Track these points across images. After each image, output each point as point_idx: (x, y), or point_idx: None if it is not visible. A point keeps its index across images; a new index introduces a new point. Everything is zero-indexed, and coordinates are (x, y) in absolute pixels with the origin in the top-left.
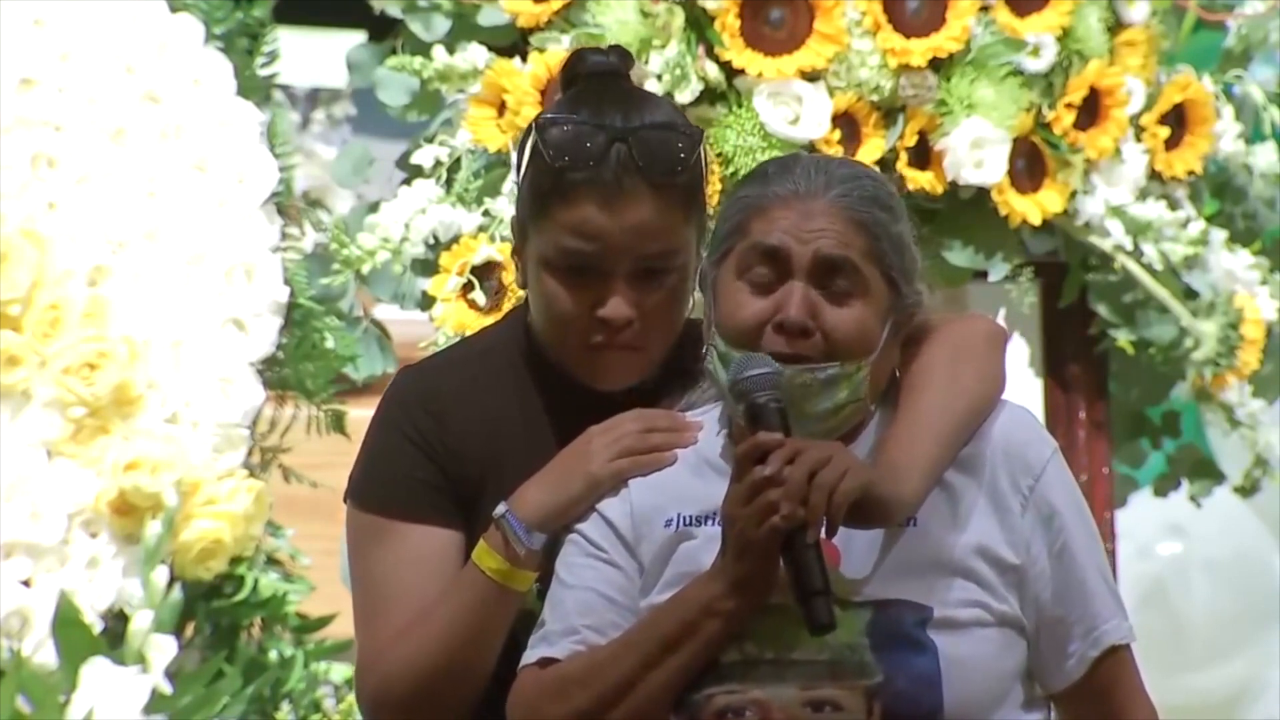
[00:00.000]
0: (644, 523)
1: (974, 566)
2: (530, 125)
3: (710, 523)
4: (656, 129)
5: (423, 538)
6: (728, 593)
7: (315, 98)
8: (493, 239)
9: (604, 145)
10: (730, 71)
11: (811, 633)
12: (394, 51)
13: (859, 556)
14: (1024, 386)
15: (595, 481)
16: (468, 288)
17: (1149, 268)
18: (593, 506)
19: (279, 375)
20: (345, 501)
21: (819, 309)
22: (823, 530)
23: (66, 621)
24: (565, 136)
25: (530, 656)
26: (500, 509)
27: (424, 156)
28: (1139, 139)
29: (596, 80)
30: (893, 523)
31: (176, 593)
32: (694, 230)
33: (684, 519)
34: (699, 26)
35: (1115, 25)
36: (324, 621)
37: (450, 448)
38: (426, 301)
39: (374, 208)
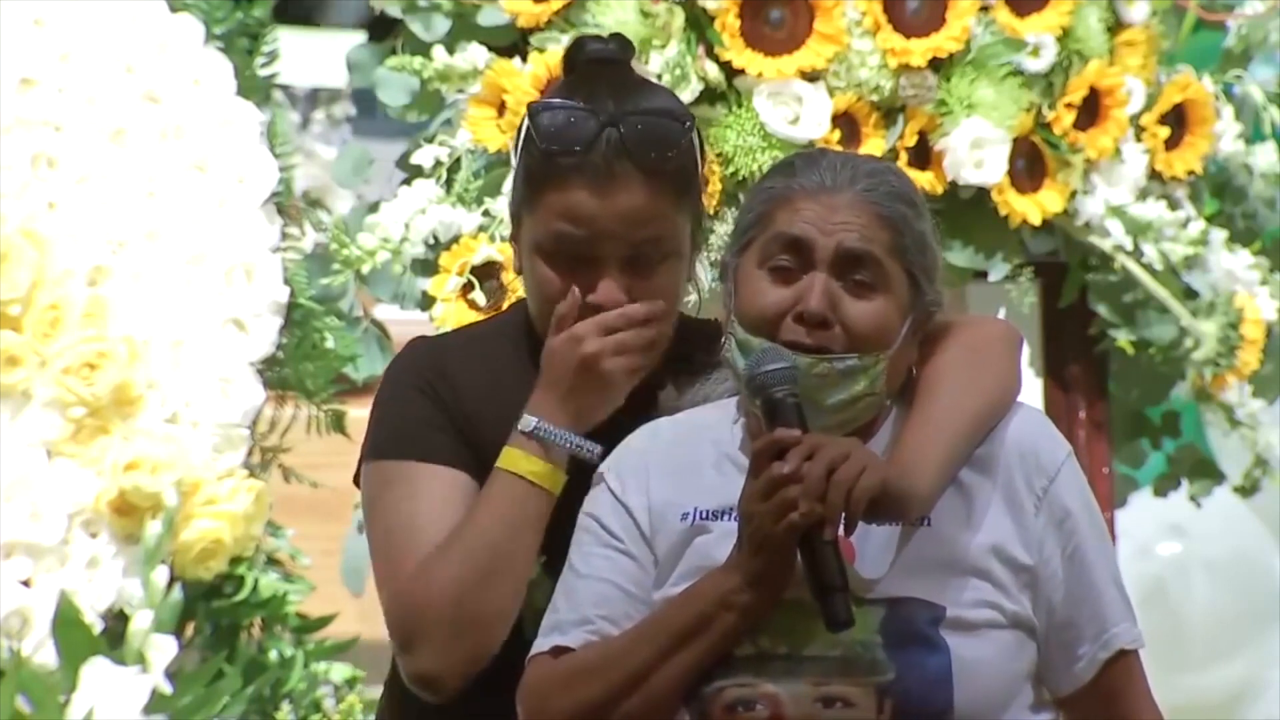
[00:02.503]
0: (660, 515)
1: (988, 566)
2: (525, 111)
3: (726, 518)
4: (648, 114)
5: (441, 478)
6: (743, 587)
7: (315, 98)
8: (493, 239)
9: (595, 130)
10: (730, 71)
11: (829, 629)
12: (394, 51)
13: (874, 554)
14: (1024, 386)
15: (606, 379)
16: (468, 288)
17: (1149, 268)
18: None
19: (279, 375)
20: (362, 464)
21: (839, 301)
22: (841, 527)
23: (66, 621)
24: (557, 121)
25: (543, 645)
26: (530, 422)
27: (424, 156)
28: (1139, 139)
29: (594, 67)
30: (907, 519)
31: (176, 593)
32: (687, 217)
33: (700, 513)
34: (699, 26)
35: (1115, 25)
36: (324, 621)
37: (458, 405)
38: (426, 301)
39: (374, 208)
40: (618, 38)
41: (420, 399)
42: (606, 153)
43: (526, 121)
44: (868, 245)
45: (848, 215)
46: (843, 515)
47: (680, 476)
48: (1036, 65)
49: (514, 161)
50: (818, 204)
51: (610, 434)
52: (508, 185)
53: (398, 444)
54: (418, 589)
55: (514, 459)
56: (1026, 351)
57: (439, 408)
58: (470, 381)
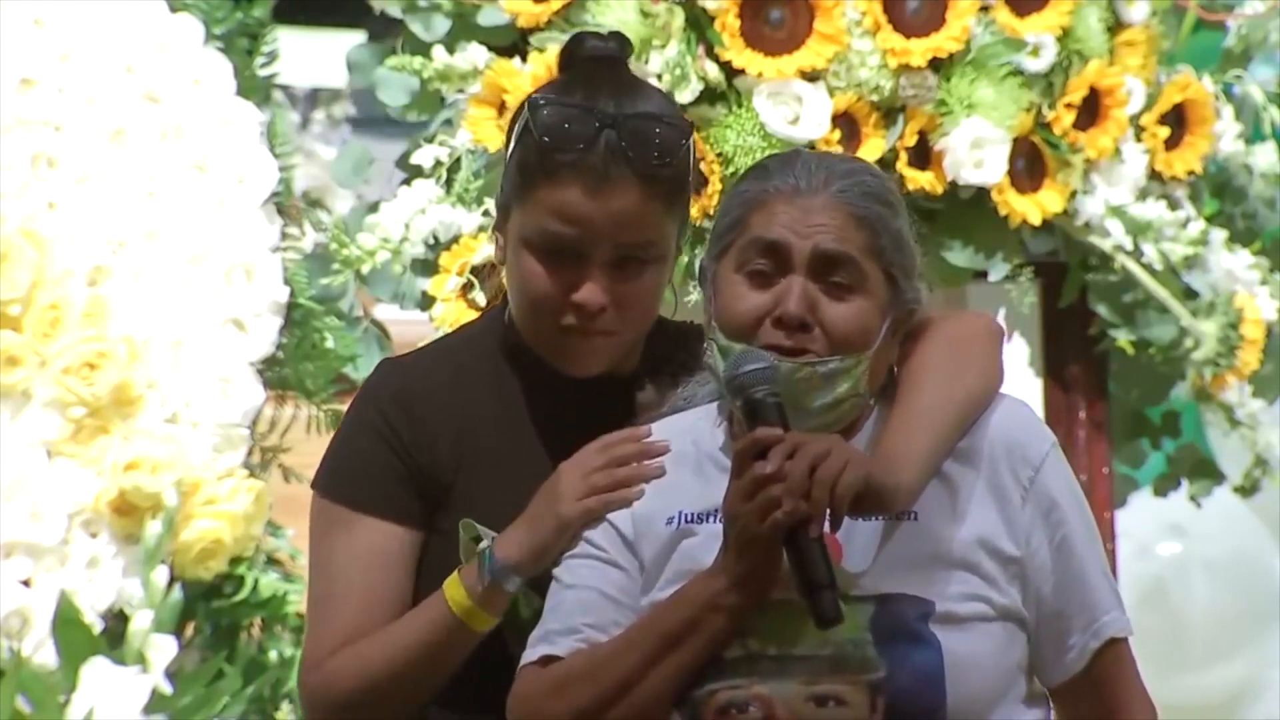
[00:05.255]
0: (645, 521)
1: (975, 559)
2: (523, 104)
3: (711, 520)
4: (647, 119)
5: (379, 532)
6: (730, 588)
7: (315, 98)
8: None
9: (594, 130)
10: (730, 71)
11: (819, 626)
12: (394, 51)
13: (860, 550)
14: (1024, 386)
15: (565, 524)
16: (468, 288)
17: (1149, 268)
18: (577, 536)
19: (279, 375)
20: (312, 488)
21: (818, 303)
22: (826, 524)
23: (66, 621)
24: (555, 118)
25: (531, 655)
26: (485, 542)
27: (424, 156)
28: (1139, 139)
29: (593, 65)
30: (890, 511)
31: (176, 593)
32: (675, 223)
33: (685, 516)
34: (699, 26)
35: (1115, 25)
36: None
37: (421, 442)
38: (426, 301)
39: (374, 208)
40: (617, 36)
41: (374, 441)
42: (604, 154)
43: (525, 114)
44: (843, 247)
45: (823, 218)
46: (827, 512)
47: (663, 481)
48: (1036, 65)
49: (506, 151)
50: (793, 207)
51: (591, 441)
52: None
53: (344, 487)
54: (329, 667)
55: (453, 585)
56: (1026, 351)
57: (392, 450)
58: (438, 408)
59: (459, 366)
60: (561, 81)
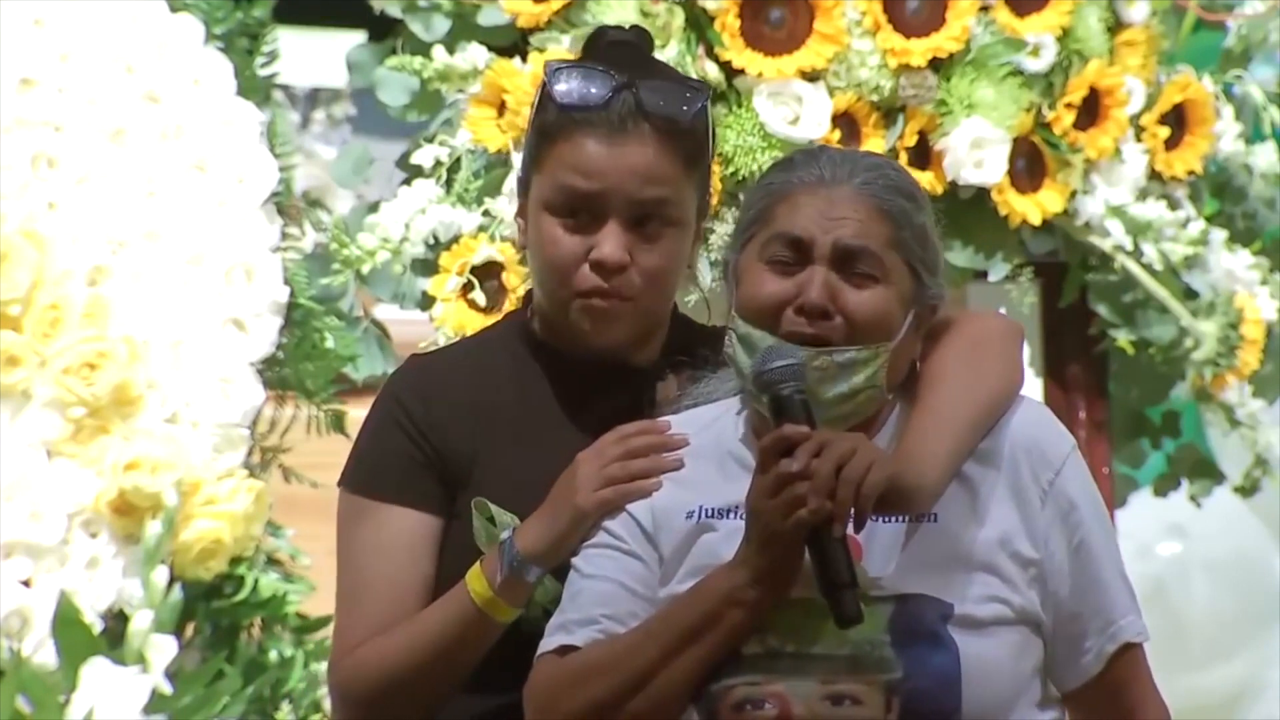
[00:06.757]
0: (664, 514)
1: (995, 561)
2: (543, 72)
3: (732, 516)
4: (665, 80)
5: (400, 520)
6: (751, 583)
7: (315, 98)
8: (493, 239)
9: (612, 89)
10: (730, 71)
11: (839, 625)
12: (394, 51)
13: (881, 551)
14: (1025, 387)
15: (582, 515)
16: (468, 288)
17: (1149, 268)
18: (596, 526)
19: (279, 375)
20: (338, 486)
21: (839, 292)
22: (849, 524)
23: (66, 621)
24: (575, 79)
25: (549, 644)
26: (506, 533)
27: (424, 156)
28: (1139, 139)
29: (612, 47)
30: (913, 511)
31: (176, 593)
32: (694, 190)
33: (705, 511)
34: (699, 26)
35: (1115, 25)
36: (324, 621)
37: (437, 426)
38: (426, 301)
39: (374, 208)
40: (636, 29)
41: (392, 431)
42: (622, 111)
43: (542, 86)
44: (865, 240)
45: (846, 210)
46: (851, 511)
47: (683, 474)
48: (1036, 65)
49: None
50: (817, 199)
51: (610, 430)
52: (508, 185)
53: (366, 478)
54: (356, 659)
55: (475, 576)
56: (1026, 351)
57: (409, 438)
58: (456, 398)
59: (480, 359)
60: (580, 59)
